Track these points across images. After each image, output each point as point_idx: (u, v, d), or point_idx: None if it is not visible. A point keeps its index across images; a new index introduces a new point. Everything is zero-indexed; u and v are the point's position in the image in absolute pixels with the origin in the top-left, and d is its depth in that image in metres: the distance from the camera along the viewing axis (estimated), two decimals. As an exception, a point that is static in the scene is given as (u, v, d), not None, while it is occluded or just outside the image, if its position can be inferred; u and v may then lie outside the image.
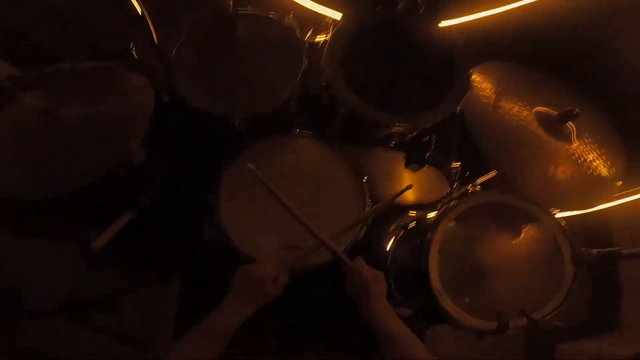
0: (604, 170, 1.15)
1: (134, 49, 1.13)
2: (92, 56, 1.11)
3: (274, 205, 1.00)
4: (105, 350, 1.31)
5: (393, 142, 1.22)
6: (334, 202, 1.10)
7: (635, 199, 1.23)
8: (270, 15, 1.20)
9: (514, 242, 1.15)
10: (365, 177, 1.13)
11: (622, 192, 1.20)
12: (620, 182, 1.15)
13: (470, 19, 1.41)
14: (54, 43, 1.36)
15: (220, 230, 1.01)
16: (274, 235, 1.02)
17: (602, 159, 1.16)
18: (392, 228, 1.26)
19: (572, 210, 1.20)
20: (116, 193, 1.03)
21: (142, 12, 1.17)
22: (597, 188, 1.14)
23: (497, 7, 1.45)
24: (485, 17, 1.45)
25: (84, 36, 1.32)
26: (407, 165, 1.21)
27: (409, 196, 1.35)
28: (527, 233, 1.15)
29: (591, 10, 1.35)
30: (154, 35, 1.22)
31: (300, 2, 1.29)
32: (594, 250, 1.00)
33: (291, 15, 1.21)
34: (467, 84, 1.11)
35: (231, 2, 1.13)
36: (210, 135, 1.18)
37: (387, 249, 1.24)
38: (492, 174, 1.22)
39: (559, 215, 1.16)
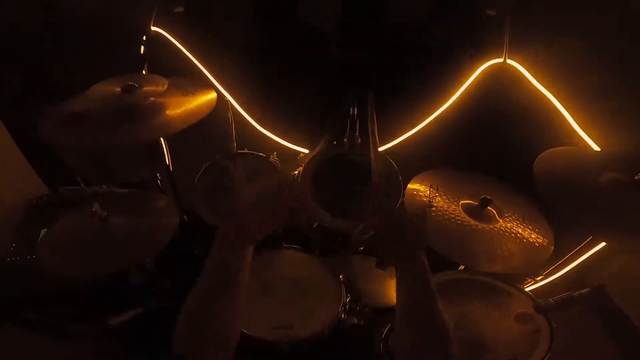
0: (533, 238, 1.40)
1: (158, 177, 1.54)
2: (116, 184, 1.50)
3: (268, 298, 1.32)
4: None
5: (361, 248, 1.53)
6: (317, 297, 1.36)
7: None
8: (260, 155, 1.64)
9: (492, 312, 1.35)
10: (341, 276, 1.41)
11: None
12: (552, 246, 1.39)
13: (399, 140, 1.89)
14: (76, 170, 1.73)
15: None
16: (269, 320, 1.25)
17: (528, 228, 1.42)
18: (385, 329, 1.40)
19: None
20: (129, 294, 1.30)
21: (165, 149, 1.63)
22: (535, 253, 1.37)
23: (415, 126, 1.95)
24: (410, 136, 1.95)
25: (104, 167, 1.67)
26: (376, 266, 1.48)
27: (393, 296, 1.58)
28: (502, 303, 1.35)
29: (489, 112, 1.79)
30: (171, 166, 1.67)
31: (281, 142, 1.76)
32: (551, 299, 1.24)
33: (275, 154, 1.66)
34: (397, 195, 1.47)
35: (234, 145, 1.57)
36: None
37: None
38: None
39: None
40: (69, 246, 1.31)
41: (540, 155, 1.43)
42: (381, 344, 1.34)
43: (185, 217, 1.51)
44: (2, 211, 1.61)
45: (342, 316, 1.31)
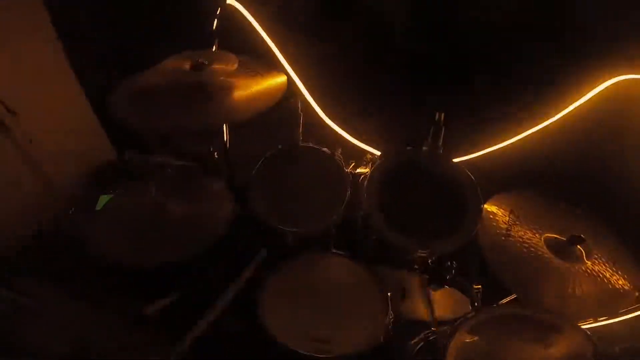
0: (619, 284, 1.19)
1: (215, 153, 1.51)
2: (178, 155, 1.49)
3: (308, 307, 1.26)
4: None
5: (416, 266, 1.39)
6: (358, 308, 1.27)
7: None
8: (324, 150, 1.49)
9: (536, 351, 1.17)
10: (390, 293, 1.29)
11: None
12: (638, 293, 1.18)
13: (481, 154, 1.67)
14: (148, 137, 1.80)
15: (260, 322, 1.18)
16: (306, 330, 1.19)
17: (617, 273, 1.21)
18: (414, 341, 1.32)
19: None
20: (169, 275, 1.26)
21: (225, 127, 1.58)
22: (616, 300, 1.18)
23: (508, 139, 1.71)
24: (494, 150, 1.72)
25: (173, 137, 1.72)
26: (428, 285, 1.34)
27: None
28: (549, 341, 1.17)
29: (598, 135, 1.54)
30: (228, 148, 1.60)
31: (348, 139, 1.65)
32: (617, 347, 1.12)
33: (339, 151, 1.52)
34: (477, 218, 1.30)
35: (300, 137, 1.46)
36: (262, 244, 1.44)
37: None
38: (513, 296, 1.30)
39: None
40: (117, 231, 1.30)
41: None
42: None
43: (237, 208, 1.42)
44: (67, 173, 1.66)
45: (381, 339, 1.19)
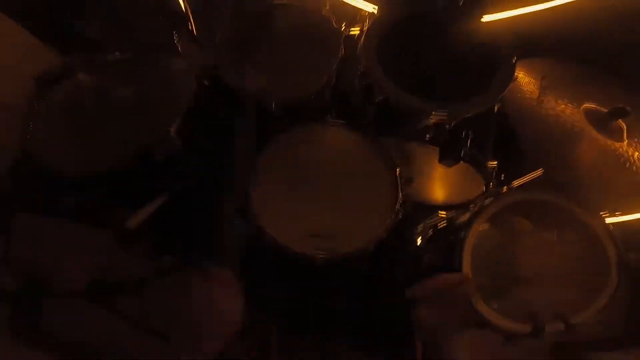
0: None
1: (176, 37, 1.18)
2: (136, 48, 1.15)
3: (305, 192, 1.05)
4: (125, 338, 1.30)
5: (428, 135, 1.18)
6: (364, 192, 1.07)
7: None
8: (307, 7, 1.22)
9: (553, 246, 1.09)
10: (398, 170, 1.09)
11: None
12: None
13: (513, 14, 1.37)
14: (97, 35, 1.43)
15: (252, 217, 1.00)
16: (304, 223, 1.00)
17: None
18: (420, 228, 1.21)
19: (621, 214, 1.13)
20: (150, 177, 1.04)
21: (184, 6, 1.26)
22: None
23: (540, 2, 1.41)
24: (529, 13, 1.41)
25: (127, 29, 1.38)
26: (441, 161, 1.16)
27: (440, 195, 1.31)
28: (569, 236, 1.08)
29: None
30: (194, 27, 1.30)
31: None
32: (631, 254, 0.98)
33: (327, 7, 1.23)
34: (510, 74, 1.06)
35: None
36: (246, 123, 1.18)
37: (415, 249, 1.19)
38: (538, 172, 1.16)
39: (607, 219, 1.09)
40: (62, 134, 1.02)
41: None
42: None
43: (206, 82, 1.13)
44: (11, 90, 1.24)
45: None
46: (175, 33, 1.18)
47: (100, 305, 1.26)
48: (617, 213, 1.23)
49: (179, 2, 1.27)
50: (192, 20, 1.29)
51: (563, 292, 1.05)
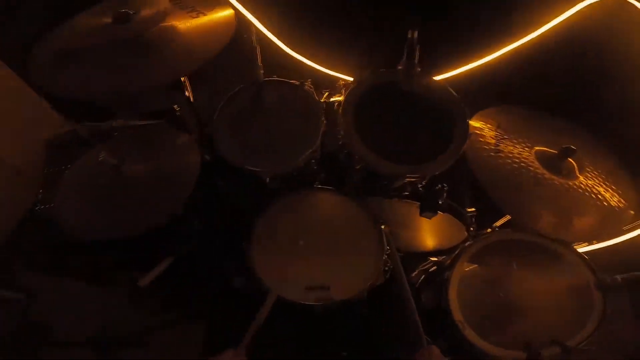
0: (614, 201, 1.18)
1: (177, 110, 1.36)
2: (139, 116, 1.32)
3: (300, 250, 1.19)
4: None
5: (407, 192, 1.33)
6: (354, 247, 1.21)
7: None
8: (292, 82, 1.41)
9: (537, 278, 1.18)
10: (383, 225, 1.24)
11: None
12: (633, 212, 1.18)
13: (461, 71, 1.59)
14: (102, 104, 1.58)
15: (253, 273, 1.12)
16: (301, 277, 1.13)
17: (610, 190, 1.20)
18: (414, 273, 1.32)
19: (591, 243, 1.22)
20: (158, 242, 1.18)
21: (184, 78, 1.41)
22: (611, 219, 1.17)
23: (485, 56, 1.63)
24: (476, 67, 1.64)
25: (130, 99, 1.53)
26: (421, 213, 1.29)
27: (429, 243, 1.42)
28: (551, 269, 1.18)
29: (582, 44, 1.48)
30: (191, 94, 1.45)
31: (318, 68, 1.52)
32: (619, 276, 1.05)
33: (309, 82, 1.42)
34: (465, 132, 1.22)
35: (261, 72, 1.34)
36: (243, 192, 1.35)
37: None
38: (507, 217, 1.28)
39: (581, 248, 1.18)
40: (82, 205, 1.17)
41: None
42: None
43: (207, 157, 1.31)
44: (22, 155, 1.47)
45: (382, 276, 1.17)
46: (177, 105, 1.34)
47: (105, 355, 1.33)
48: (593, 242, 1.33)
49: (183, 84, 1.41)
50: (189, 87, 1.44)
51: (554, 319, 1.13)
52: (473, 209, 1.35)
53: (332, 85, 1.45)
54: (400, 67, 1.28)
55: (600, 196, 1.19)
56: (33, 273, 1.27)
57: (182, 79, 1.40)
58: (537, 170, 1.20)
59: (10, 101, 1.52)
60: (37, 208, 1.30)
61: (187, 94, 1.41)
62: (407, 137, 1.31)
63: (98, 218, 1.15)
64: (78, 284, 1.28)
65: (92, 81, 1.10)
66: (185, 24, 1.21)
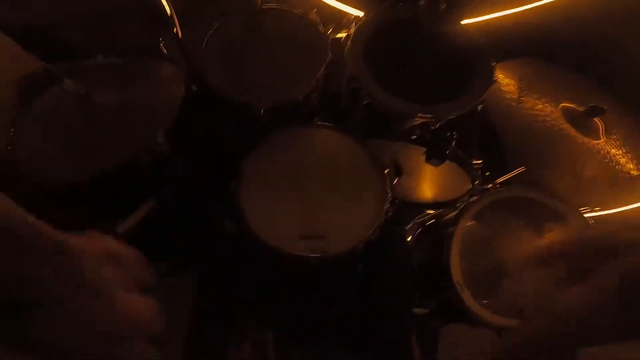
0: (630, 168, 1.12)
1: (162, 43, 1.17)
2: (121, 53, 1.13)
3: (294, 193, 1.05)
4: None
5: (414, 136, 1.21)
6: (353, 192, 1.08)
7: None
8: (295, 11, 1.23)
9: (536, 240, 1.12)
10: (387, 170, 1.12)
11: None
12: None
13: (490, 17, 1.43)
14: (80, 41, 1.41)
15: (241, 218, 1.00)
16: (294, 224, 1.01)
17: (627, 156, 1.13)
18: (409, 226, 1.23)
19: (600, 209, 1.17)
20: (139, 183, 1.03)
21: (169, 8, 1.20)
22: (624, 186, 1.12)
23: (516, 6, 1.47)
24: (505, 15, 1.47)
25: (111, 34, 1.36)
26: (427, 160, 1.19)
27: (428, 194, 1.34)
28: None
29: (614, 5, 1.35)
30: (179, 30, 1.25)
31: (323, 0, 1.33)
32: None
33: (314, 11, 1.24)
34: (490, 77, 1.10)
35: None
36: (233, 127, 1.19)
37: (405, 247, 1.22)
38: (521, 169, 1.20)
39: (587, 214, 1.13)
40: (46, 142, 0.99)
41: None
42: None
43: (194, 87, 1.13)
44: None
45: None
46: (161, 39, 1.18)
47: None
48: (596, 209, 1.29)
49: (164, 4, 1.23)
50: (177, 22, 1.26)
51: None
52: (480, 161, 1.25)
53: (338, 20, 1.28)
54: (422, 2, 1.14)
55: (618, 162, 1.12)
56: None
57: (168, 11, 1.18)
58: (562, 127, 1.10)
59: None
60: (9, 147, 1.09)
61: (175, 29, 1.19)
62: (422, 78, 1.17)
63: (65, 157, 0.97)
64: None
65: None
66: None
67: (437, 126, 1.15)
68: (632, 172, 1.12)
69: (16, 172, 0.94)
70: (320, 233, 0.99)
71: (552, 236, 0.61)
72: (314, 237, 0.98)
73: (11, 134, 1.03)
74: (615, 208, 1.14)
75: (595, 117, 1.10)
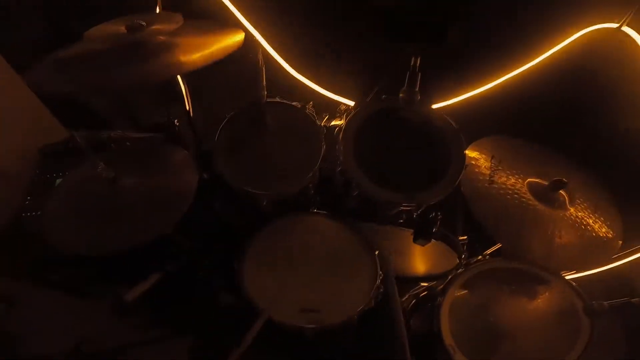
0: (602, 232, 1.21)
1: (176, 123, 1.35)
2: (137, 127, 1.36)
3: (294, 273, 1.19)
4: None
5: (401, 220, 1.35)
6: (347, 271, 1.22)
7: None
8: (294, 104, 1.39)
9: (528, 304, 1.20)
10: (377, 251, 1.25)
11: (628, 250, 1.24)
12: (621, 242, 1.20)
13: (459, 99, 1.63)
14: (104, 112, 1.61)
15: (243, 293, 1.13)
16: (294, 300, 1.13)
17: (599, 221, 1.23)
18: (404, 298, 1.33)
19: (579, 271, 1.24)
20: (147, 257, 1.15)
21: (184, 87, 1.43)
22: (599, 249, 1.20)
23: (482, 85, 1.68)
24: (473, 96, 1.68)
25: (132, 109, 1.57)
26: (415, 241, 1.30)
27: (420, 268, 1.44)
28: (540, 294, 1.20)
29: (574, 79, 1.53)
30: (191, 107, 1.46)
31: (319, 91, 1.54)
32: (606, 302, 1.08)
33: (311, 104, 1.40)
34: (461, 164, 1.26)
35: (264, 93, 1.31)
36: (238, 213, 1.36)
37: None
38: (498, 245, 1.30)
39: (569, 276, 1.21)
40: (72, 217, 1.15)
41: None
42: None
43: (205, 175, 1.32)
44: (14, 159, 1.44)
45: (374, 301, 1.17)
46: (177, 120, 1.32)
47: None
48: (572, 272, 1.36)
49: (179, 83, 1.41)
50: (189, 101, 1.44)
51: (542, 343, 1.16)
52: (465, 237, 1.37)
53: (332, 109, 1.48)
54: (401, 95, 1.31)
55: (589, 227, 1.22)
56: (14, 280, 1.22)
57: (183, 91, 1.40)
58: (530, 202, 1.23)
59: (9, 102, 1.48)
60: (23, 215, 1.26)
61: (187, 107, 1.41)
62: (404, 165, 1.33)
63: (85, 232, 1.13)
64: (59, 295, 1.24)
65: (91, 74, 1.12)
66: (192, 38, 1.25)
67: (419, 211, 1.30)
68: (607, 234, 1.21)
69: (33, 236, 1.07)
70: (317, 307, 1.11)
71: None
72: (311, 310, 1.10)
73: (27, 200, 1.16)
74: (591, 269, 1.21)
75: (559, 190, 1.22)
